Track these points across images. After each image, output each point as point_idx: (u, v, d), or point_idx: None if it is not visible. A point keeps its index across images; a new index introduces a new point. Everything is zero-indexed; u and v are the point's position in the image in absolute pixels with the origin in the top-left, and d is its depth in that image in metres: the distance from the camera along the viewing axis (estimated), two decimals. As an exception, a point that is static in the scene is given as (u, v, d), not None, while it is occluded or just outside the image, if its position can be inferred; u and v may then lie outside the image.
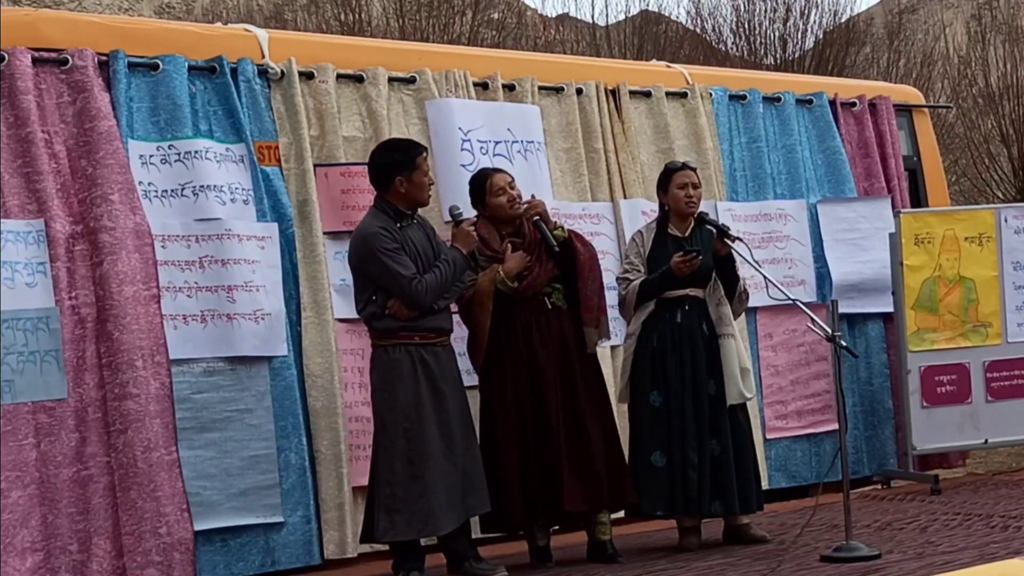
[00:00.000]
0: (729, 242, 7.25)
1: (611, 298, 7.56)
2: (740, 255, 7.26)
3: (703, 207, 7.59)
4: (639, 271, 7.31)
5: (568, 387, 6.91)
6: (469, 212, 7.06)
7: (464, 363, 6.94)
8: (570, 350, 6.95)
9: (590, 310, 6.97)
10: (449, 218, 6.97)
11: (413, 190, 6.64)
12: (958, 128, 22.32)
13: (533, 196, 7.12)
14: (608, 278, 7.83)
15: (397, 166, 6.64)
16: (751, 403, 7.64)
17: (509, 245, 6.91)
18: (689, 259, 7.08)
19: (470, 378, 7.04)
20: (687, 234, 7.38)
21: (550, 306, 6.96)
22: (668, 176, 7.43)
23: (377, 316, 6.57)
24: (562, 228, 7.06)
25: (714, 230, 7.32)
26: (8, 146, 6.38)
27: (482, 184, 7.03)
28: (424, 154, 6.74)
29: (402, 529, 6.42)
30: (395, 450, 6.45)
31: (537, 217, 6.94)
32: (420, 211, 6.86)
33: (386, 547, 6.75)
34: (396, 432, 6.46)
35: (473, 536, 6.83)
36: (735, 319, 7.45)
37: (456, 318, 6.92)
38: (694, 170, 7.46)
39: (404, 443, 6.43)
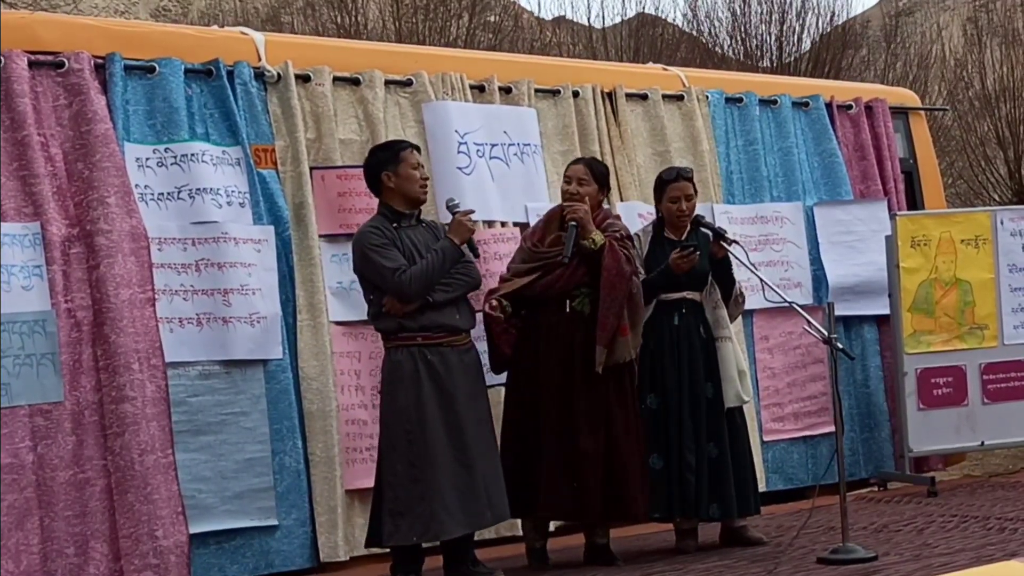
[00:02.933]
0: (725, 245, 7.25)
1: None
2: (736, 258, 7.27)
3: (700, 210, 7.59)
4: (638, 272, 7.31)
5: (565, 395, 6.84)
6: (466, 205, 7.04)
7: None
8: (575, 358, 6.84)
9: (604, 328, 6.78)
10: (448, 212, 6.93)
11: (402, 183, 6.62)
12: (954, 131, 22.35)
13: (584, 199, 6.92)
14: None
15: (382, 163, 6.65)
16: (748, 405, 7.64)
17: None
18: (687, 254, 7.08)
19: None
20: (684, 238, 7.38)
21: (568, 310, 6.90)
22: (661, 187, 7.41)
23: (377, 316, 6.57)
24: (593, 240, 6.82)
25: (710, 233, 7.32)
26: (4, 149, 6.38)
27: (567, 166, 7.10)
28: (410, 149, 6.71)
29: (406, 532, 6.38)
30: (396, 453, 6.42)
31: (573, 221, 6.84)
32: (439, 219, 6.85)
33: (384, 549, 6.74)
34: (398, 435, 6.43)
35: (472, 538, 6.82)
36: (732, 322, 7.45)
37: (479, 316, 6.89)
38: (689, 179, 7.40)
39: (406, 446, 6.40)
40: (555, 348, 6.86)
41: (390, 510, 6.40)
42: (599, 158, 8.39)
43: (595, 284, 6.83)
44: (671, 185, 7.36)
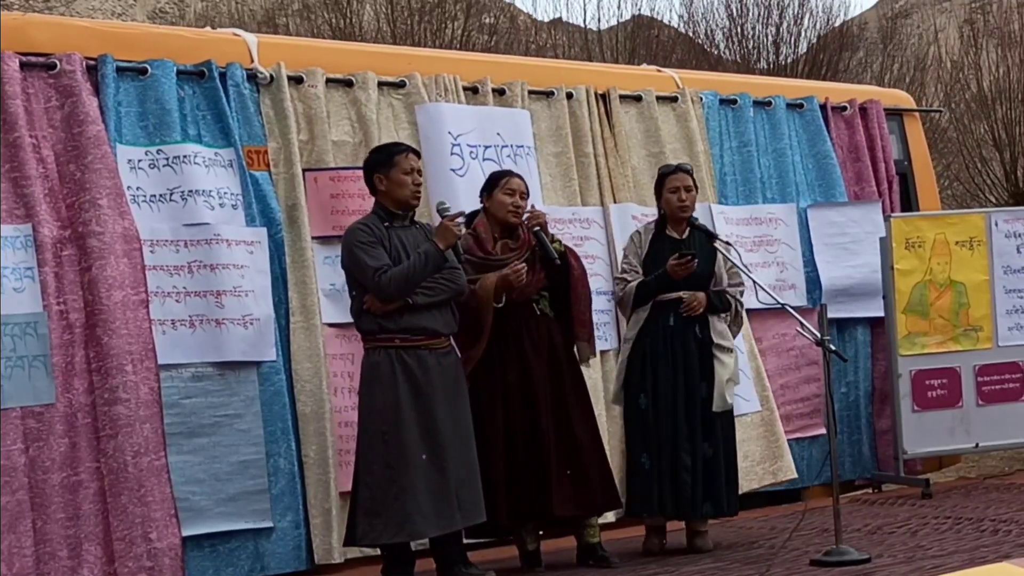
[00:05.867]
0: (720, 247, 7.27)
1: (598, 303, 7.60)
2: (729, 259, 7.28)
3: (694, 211, 7.59)
4: (637, 272, 7.32)
5: (557, 392, 6.93)
6: (459, 207, 7.05)
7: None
8: (559, 356, 6.98)
9: (583, 324, 7.02)
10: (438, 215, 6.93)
11: (393, 187, 6.62)
12: (951, 133, 22.36)
13: (534, 207, 7.11)
14: (597, 283, 7.86)
15: (375, 164, 6.67)
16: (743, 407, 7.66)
17: (524, 266, 6.87)
18: (684, 262, 7.09)
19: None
20: (684, 236, 7.38)
21: (538, 312, 6.97)
22: (661, 180, 7.45)
23: (358, 313, 6.58)
24: (559, 241, 7.08)
25: (704, 235, 7.34)
26: (-3, 151, 6.38)
27: (498, 178, 7.06)
28: (406, 153, 6.70)
29: (380, 532, 6.40)
30: (373, 453, 6.44)
31: (537, 228, 6.94)
32: (432, 221, 6.86)
33: (376, 552, 6.74)
34: (374, 435, 6.45)
35: (464, 541, 6.81)
36: (734, 337, 7.46)
37: None
38: (689, 172, 7.44)
39: (382, 446, 6.41)
40: (542, 349, 6.93)
41: (365, 510, 6.42)
42: (593, 160, 8.41)
43: (549, 287, 6.98)
44: (671, 176, 7.39)
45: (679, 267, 7.11)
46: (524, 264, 6.84)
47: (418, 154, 6.83)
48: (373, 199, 6.77)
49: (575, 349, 7.08)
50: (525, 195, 7.04)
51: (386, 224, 6.59)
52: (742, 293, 7.45)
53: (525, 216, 6.98)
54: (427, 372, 6.50)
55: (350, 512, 6.58)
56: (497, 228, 7.00)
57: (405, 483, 6.35)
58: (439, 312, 6.58)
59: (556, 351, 6.97)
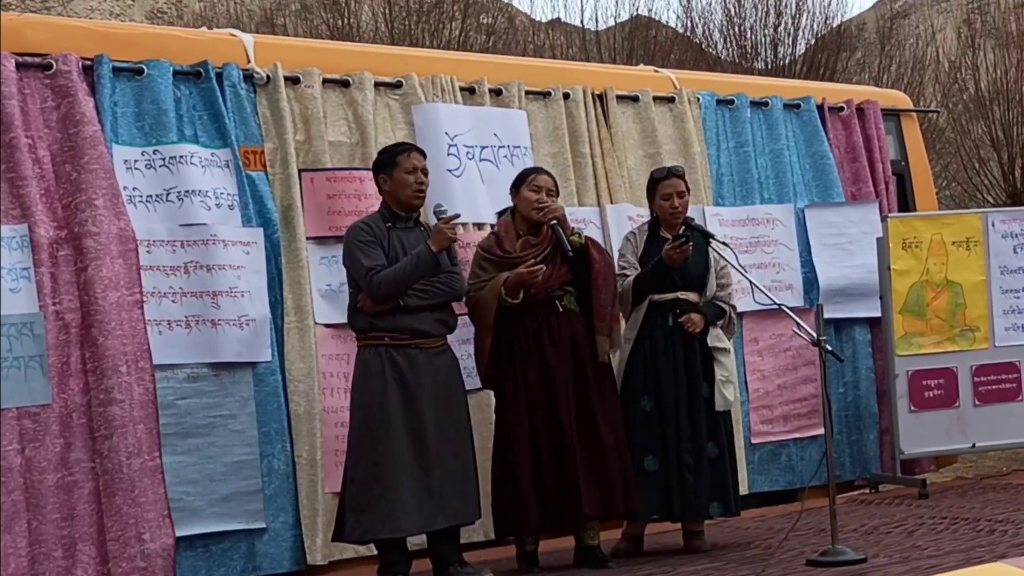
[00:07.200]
0: (717, 248, 7.26)
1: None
2: (726, 260, 7.28)
3: (690, 212, 7.58)
4: (635, 269, 7.32)
5: (581, 390, 6.89)
6: (455, 207, 7.05)
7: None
8: (582, 354, 6.93)
9: (603, 318, 6.97)
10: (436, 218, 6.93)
11: (395, 187, 6.65)
12: (949, 133, 22.37)
13: (554, 200, 7.09)
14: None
15: (380, 165, 6.72)
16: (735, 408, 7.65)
17: (533, 262, 6.85)
18: (679, 245, 7.07)
19: (472, 381, 7.06)
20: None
21: (561, 309, 6.95)
22: (653, 185, 7.44)
23: (353, 311, 6.60)
24: (579, 234, 7.04)
25: (701, 235, 7.34)
26: (-8, 152, 6.38)
27: (526, 175, 7.08)
28: (408, 153, 6.72)
29: (365, 529, 6.42)
30: (361, 450, 6.46)
31: (555, 221, 6.94)
32: (427, 222, 6.88)
33: (371, 551, 6.74)
34: (362, 432, 6.47)
35: (462, 540, 6.80)
36: (728, 339, 7.47)
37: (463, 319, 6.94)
38: (681, 176, 7.43)
39: (369, 443, 6.43)
40: (564, 347, 6.90)
41: (352, 506, 6.45)
42: (590, 160, 8.41)
43: (576, 282, 6.95)
44: (663, 183, 7.38)
45: (674, 251, 7.09)
46: (543, 266, 6.82)
47: (423, 153, 6.83)
48: (369, 200, 6.79)
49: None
50: (552, 192, 7.03)
51: (388, 224, 6.61)
52: (730, 296, 7.44)
53: (543, 210, 6.95)
54: (417, 371, 6.51)
55: (339, 508, 6.61)
56: (524, 225, 7.00)
57: (389, 480, 6.37)
58: (431, 314, 6.60)
59: (579, 348, 6.92)
